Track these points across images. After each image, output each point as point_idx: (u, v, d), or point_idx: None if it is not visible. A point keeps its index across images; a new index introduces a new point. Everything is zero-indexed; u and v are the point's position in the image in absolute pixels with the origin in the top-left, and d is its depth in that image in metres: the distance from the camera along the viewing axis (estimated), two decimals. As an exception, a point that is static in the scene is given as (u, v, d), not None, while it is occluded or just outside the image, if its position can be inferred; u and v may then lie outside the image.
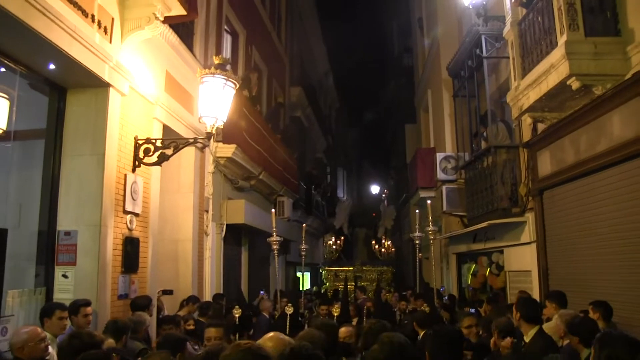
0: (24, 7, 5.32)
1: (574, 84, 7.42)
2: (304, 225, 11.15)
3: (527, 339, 5.39)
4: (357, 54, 36.79)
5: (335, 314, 8.57)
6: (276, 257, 9.59)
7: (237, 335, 7.62)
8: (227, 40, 14.08)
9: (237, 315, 8.06)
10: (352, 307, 10.03)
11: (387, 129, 37.34)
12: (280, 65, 21.03)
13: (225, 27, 13.62)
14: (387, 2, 30.22)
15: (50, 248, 6.83)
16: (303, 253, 10.52)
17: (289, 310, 8.42)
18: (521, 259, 10.90)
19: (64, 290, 6.71)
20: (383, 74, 35.93)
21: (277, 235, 9.28)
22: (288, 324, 8.10)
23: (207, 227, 11.32)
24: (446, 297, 11.19)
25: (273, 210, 9.69)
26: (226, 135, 11.46)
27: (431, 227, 9.31)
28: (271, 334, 3.85)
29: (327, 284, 20.96)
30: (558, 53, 7.49)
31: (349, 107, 42.67)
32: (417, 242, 9.78)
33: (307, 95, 23.93)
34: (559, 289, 8.52)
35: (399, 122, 27.77)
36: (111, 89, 7.13)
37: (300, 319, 9.49)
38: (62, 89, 7.11)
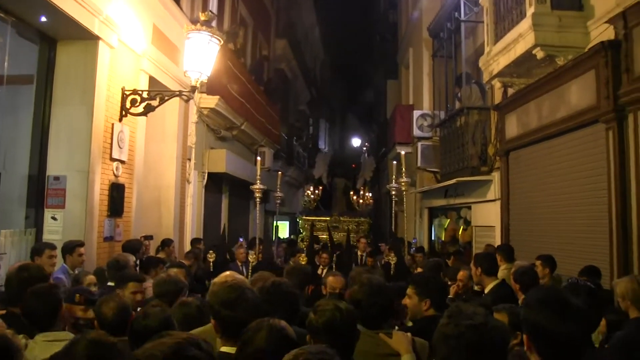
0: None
1: (539, 54, 7.87)
2: (279, 173, 11.45)
3: (486, 290, 5.89)
4: (344, 7, 36.67)
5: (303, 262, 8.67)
6: (257, 205, 9.79)
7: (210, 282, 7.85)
8: (213, -8, 14.31)
9: (211, 260, 8.29)
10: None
11: (371, 83, 37.53)
12: (266, 18, 21.21)
13: (213, -22, 13.84)
14: (376, -44, 30.13)
15: (40, 192, 7.31)
16: (278, 201, 10.90)
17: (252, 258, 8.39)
18: (487, 215, 11.51)
19: (53, 231, 7.22)
20: (369, 29, 35.90)
21: (260, 184, 9.57)
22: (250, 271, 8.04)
23: (189, 175, 11.78)
24: (413, 249, 11.65)
25: (259, 158, 9.83)
26: (210, 86, 11.82)
27: (404, 179, 9.47)
28: (227, 272, 4.02)
29: (304, 233, 20.75)
30: (525, 24, 7.90)
31: (335, 60, 42.68)
32: (393, 193, 9.90)
33: (292, 48, 24.14)
34: (515, 244, 9.22)
35: (383, 77, 28.00)
36: (100, 42, 7.53)
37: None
38: (52, 40, 7.50)
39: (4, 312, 3.91)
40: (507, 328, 2.46)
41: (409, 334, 3.55)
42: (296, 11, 28.26)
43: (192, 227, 11.97)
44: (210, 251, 8.51)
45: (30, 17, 6.80)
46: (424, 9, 16.85)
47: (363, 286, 3.75)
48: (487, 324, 2.25)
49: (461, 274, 6.55)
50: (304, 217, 22.17)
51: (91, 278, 5.97)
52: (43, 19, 6.79)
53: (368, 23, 36.04)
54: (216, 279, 3.65)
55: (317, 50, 36.85)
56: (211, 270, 8.19)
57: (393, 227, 15.77)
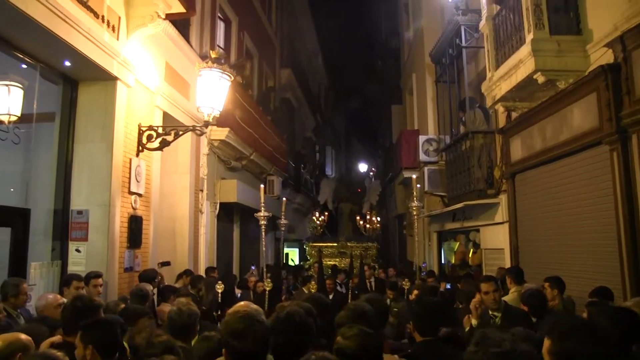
0: (48, 15, 6.06)
1: (540, 78, 8.15)
2: (284, 199, 11.68)
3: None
4: (346, 34, 37.22)
5: (313, 290, 8.83)
6: (263, 233, 9.97)
7: (219, 312, 7.84)
8: (220, 27, 14.71)
9: (219, 291, 8.24)
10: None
11: (375, 108, 37.86)
12: (270, 48, 21.63)
13: (219, 14, 14.26)
14: (376, -16, 30.64)
15: (64, 225, 7.64)
16: (283, 228, 11.12)
17: (268, 286, 8.64)
18: (495, 237, 11.69)
19: (77, 263, 7.54)
20: (372, 55, 36.37)
21: (265, 211, 9.58)
22: (267, 299, 8.32)
23: (201, 205, 12.05)
24: (424, 273, 11.81)
25: (262, 186, 10.00)
26: (220, 119, 12.02)
27: (415, 203, 9.49)
28: (242, 302, 4.18)
29: (311, 259, 20.49)
30: (525, 50, 8.20)
31: (338, 86, 43.14)
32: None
33: (297, 77, 24.51)
34: (525, 265, 9.40)
35: (386, 102, 28.31)
36: (118, 82, 7.89)
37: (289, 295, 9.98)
38: (74, 81, 7.86)
39: (59, 339, 4.15)
40: (535, 354, 2.42)
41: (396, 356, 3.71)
42: (299, 39, 28.73)
43: (206, 256, 12.21)
44: (219, 281, 8.57)
45: (54, 61, 7.17)
46: (425, 35, 17.21)
47: (348, 311, 4.04)
48: (515, 351, 2.29)
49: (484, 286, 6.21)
50: (311, 244, 21.93)
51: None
52: (67, 63, 7.15)
53: (370, 49, 36.49)
54: (231, 309, 3.76)
55: (320, 77, 37.32)
56: (219, 300, 8.29)
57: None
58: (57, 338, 4.08)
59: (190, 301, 5.03)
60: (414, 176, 9.52)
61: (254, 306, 3.91)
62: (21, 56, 6.78)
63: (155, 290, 8.18)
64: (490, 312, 5.88)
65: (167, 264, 10.33)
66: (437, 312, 4.44)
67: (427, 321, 4.33)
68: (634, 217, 6.82)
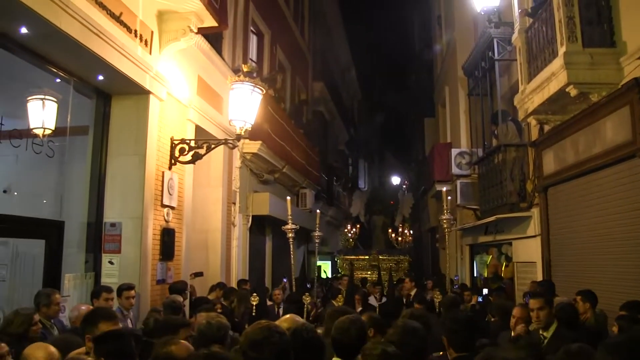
0: (82, 30, 6.19)
1: (572, 92, 8.06)
2: (317, 211, 11.65)
3: (547, 334, 5.58)
4: (380, 47, 37.33)
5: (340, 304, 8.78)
6: (292, 245, 10.01)
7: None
8: (253, 40, 14.88)
9: (254, 303, 8.38)
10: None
11: (408, 121, 37.79)
12: (303, 61, 21.77)
13: (251, 28, 14.43)
14: (409, -3, 30.67)
15: (97, 237, 7.76)
16: (317, 240, 11.11)
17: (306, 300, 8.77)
18: (527, 251, 11.55)
19: (110, 275, 7.64)
20: (405, 68, 36.38)
21: (292, 224, 9.68)
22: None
23: (234, 218, 12.16)
24: (457, 286, 11.74)
25: (288, 197, 10.07)
26: (252, 132, 12.13)
27: (446, 216, 9.47)
28: (288, 315, 4.12)
29: (342, 272, 19.94)
30: (558, 63, 8.13)
31: (371, 100, 43.17)
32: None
33: (329, 90, 24.61)
34: (557, 279, 9.31)
35: (419, 115, 28.26)
36: (151, 96, 8.02)
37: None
38: (107, 95, 8.01)
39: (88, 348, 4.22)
40: None
41: None
42: (332, 53, 28.85)
43: (239, 269, 12.29)
44: (254, 294, 8.63)
45: (88, 75, 7.33)
46: (458, 48, 17.17)
47: (397, 328, 3.97)
48: None
49: (515, 311, 6.19)
50: (343, 257, 21.63)
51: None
52: (100, 77, 7.29)
53: (403, 62, 36.50)
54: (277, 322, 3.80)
55: (354, 91, 37.40)
56: (253, 313, 8.33)
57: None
58: (82, 350, 4.13)
59: (219, 314, 5.07)
60: (445, 189, 9.55)
61: (300, 320, 3.94)
62: (55, 70, 6.93)
63: (186, 302, 8.28)
64: (540, 332, 5.67)
65: (200, 274, 10.45)
66: (471, 327, 4.35)
67: (461, 336, 4.23)
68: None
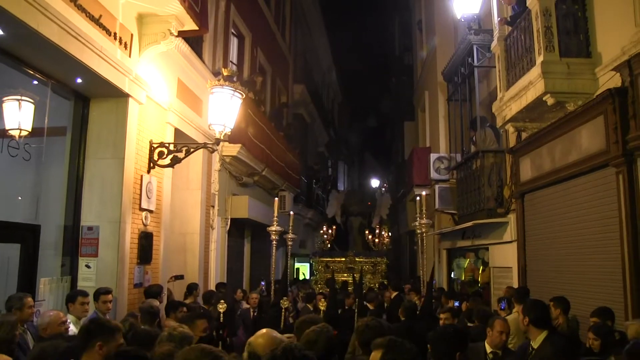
0: (60, 33, 6.16)
1: (549, 100, 8.17)
2: (291, 213, 11.67)
3: (535, 344, 5.11)
4: (360, 50, 37.52)
5: (322, 308, 8.54)
6: (274, 247, 10.06)
7: (219, 332, 7.48)
8: (233, 43, 14.86)
9: (221, 310, 7.60)
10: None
11: (387, 125, 37.95)
12: (284, 64, 21.79)
13: (232, 30, 14.41)
14: (390, 1, 30.77)
15: (74, 241, 7.71)
16: (290, 242, 11.14)
17: (285, 304, 8.69)
18: (504, 256, 11.69)
19: (87, 279, 7.61)
20: (385, 71, 36.54)
21: (277, 226, 9.75)
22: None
23: (213, 221, 12.15)
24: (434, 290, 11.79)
25: (276, 198, 10.08)
26: (232, 135, 12.10)
27: (424, 221, 9.47)
28: (264, 330, 3.92)
29: (317, 275, 19.72)
30: (535, 72, 8.23)
31: (352, 102, 43.35)
32: (419, 231, 9.65)
33: (310, 92, 24.66)
34: (532, 284, 9.42)
35: (399, 118, 28.35)
36: (130, 99, 7.99)
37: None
38: (85, 98, 7.96)
39: None
40: None
41: None
42: (313, 55, 28.88)
43: (217, 271, 12.28)
44: (222, 301, 8.01)
45: (66, 78, 7.28)
46: (438, 53, 17.30)
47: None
48: None
49: (500, 325, 5.72)
50: (318, 258, 20.86)
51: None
52: (79, 80, 7.25)
53: (384, 65, 36.65)
54: (252, 338, 3.79)
55: (334, 93, 37.51)
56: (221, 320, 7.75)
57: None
58: None
59: (182, 325, 5.03)
60: (424, 193, 9.58)
61: (278, 335, 3.87)
62: (32, 73, 6.89)
63: (162, 306, 8.24)
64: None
65: (180, 277, 10.41)
66: (455, 338, 4.21)
67: (444, 347, 4.13)
68: (637, 240, 6.86)
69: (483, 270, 13.28)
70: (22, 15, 5.59)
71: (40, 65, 6.83)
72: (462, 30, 14.06)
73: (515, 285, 10.39)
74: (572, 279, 8.63)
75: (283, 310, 8.71)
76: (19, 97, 6.92)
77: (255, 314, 10.33)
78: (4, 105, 6.91)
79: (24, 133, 6.99)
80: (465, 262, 15.05)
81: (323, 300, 9.37)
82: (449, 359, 4.05)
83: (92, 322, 4.36)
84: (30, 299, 5.80)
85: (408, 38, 26.71)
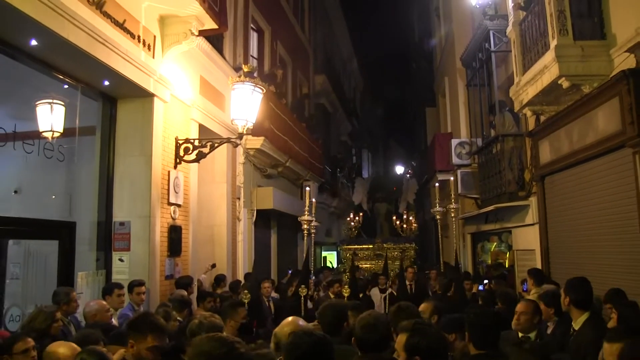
0: (88, 40, 6.48)
1: (564, 84, 8.26)
2: (313, 201, 11.32)
3: (576, 326, 4.97)
4: (381, 37, 37.47)
5: (346, 294, 8.59)
6: (305, 236, 10.24)
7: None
8: (253, 38, 15.11)
9: (245, 301, 7.13)
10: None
11: (410, 110, 37.90)
12: (304, 55, 21.96)
13: (252, 25, 14.64)
14: (408, -13, 30.76)
15: (108, 236, 8.07)
16: (313, 230, 10.87)
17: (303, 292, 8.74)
18: (526, 238, 11.81)
19: (121, 272, 7.97)
20: (406, 57, 36.49)
21: (309, 215, 9.96)
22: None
23: (239, 213, 12.43)
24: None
25: (307, 189, 10.24)
26: (255, 128, 12.34)
27: (453, 205, 9.52)
28: (289, 319, 3.97)
29: (345, 262, 18.91)
30: (550, 56, 8.33)
31: (373, 89, 43.31)
32: (438, 217, 10.10)
33: (331, 82, 24.73)
34: (555, 266, 9.53)
35: (421, 104, 28.38)
36: (155, 98, 8.30)
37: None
38: (113, 99, 8.29)
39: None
40: None
41: None
42: (333, 45, 28.96)
43: (244, 262, 12.56)
44: (245, 291, 7.96)
45: (94, 81, 7.63)
46: (456, 39, 17.37)
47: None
48: None
49: (520, 306, 5.51)
50: (345, 246, 20.45)
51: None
52: (106, 82, 7.58)
53: (405, 51, 36.60)
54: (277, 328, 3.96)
55: (355, 81, 37.52)
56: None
57: (439, 253, 15.93)
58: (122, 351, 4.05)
59: (212, 314, 5.22)
60: (452, 179, 9.74)
61: (303, 323, 4.01)
62: (63, 77, 7.24)
63: (192, 296, 8.54)
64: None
65: (214, 266, 10.81)
66: (496, 324, 4.05)
67: (482, 332, 3.95)
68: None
69: (506, 253, 13.40)
70: (53, 25, 5.92)
71: (69, 70, 7.17)
72: (479, 16, 14.10)
73: (538, 267, 10.50)
74: (593, 260, 8.69)
75: (302, 298, 8.71)
76: (50, 101, 7.28)
77: (269, 303, 10.04)
78: (37, 108, 7.28)
79: (56, 134, 7.35)
80: (492, 246, 15.17)
81: (337, 285, 9.67)
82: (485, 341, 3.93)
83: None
84: (75, 293, 6.19)
85: (426, 25, 26.67)
